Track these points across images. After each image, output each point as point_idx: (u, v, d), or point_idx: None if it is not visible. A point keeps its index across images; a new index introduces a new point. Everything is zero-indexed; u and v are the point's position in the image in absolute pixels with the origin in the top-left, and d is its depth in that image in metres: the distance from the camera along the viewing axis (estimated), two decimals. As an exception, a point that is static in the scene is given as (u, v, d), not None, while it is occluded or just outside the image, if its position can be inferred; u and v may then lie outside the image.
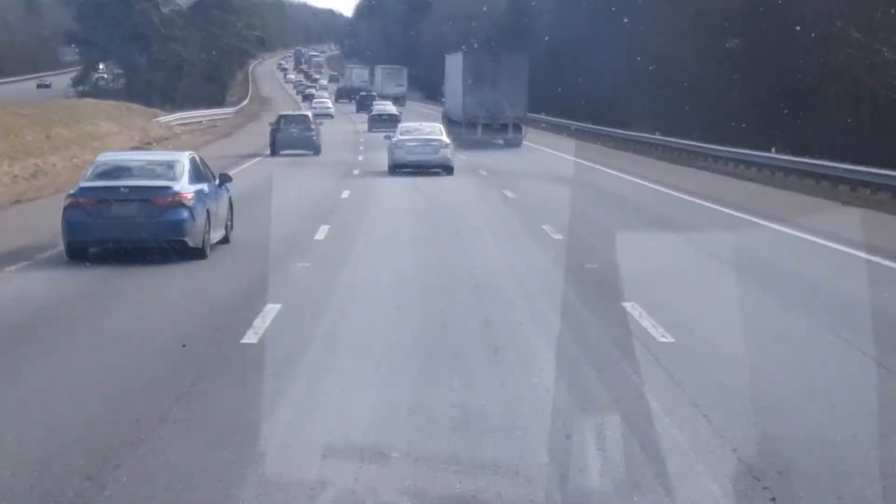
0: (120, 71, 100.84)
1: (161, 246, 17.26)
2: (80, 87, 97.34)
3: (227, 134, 65.05)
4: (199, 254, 17.51)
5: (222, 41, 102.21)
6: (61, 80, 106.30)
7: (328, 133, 63.99)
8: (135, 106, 72.35)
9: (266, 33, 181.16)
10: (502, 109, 56.77)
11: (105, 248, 17.46)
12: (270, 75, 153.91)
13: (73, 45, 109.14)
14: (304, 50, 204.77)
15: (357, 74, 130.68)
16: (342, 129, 73.87)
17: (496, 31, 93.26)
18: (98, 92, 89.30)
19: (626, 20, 61.50)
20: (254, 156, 46.50)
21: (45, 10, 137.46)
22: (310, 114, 55.83)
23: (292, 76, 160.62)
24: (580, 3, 74.77)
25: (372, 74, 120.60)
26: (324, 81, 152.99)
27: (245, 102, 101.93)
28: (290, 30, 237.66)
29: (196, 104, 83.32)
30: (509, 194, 30.17)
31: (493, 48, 67.73)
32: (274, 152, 47.82)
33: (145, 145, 49.34)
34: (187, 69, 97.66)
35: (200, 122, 73.27)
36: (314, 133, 49.30)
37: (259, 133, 57.60)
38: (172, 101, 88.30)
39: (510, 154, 51.27)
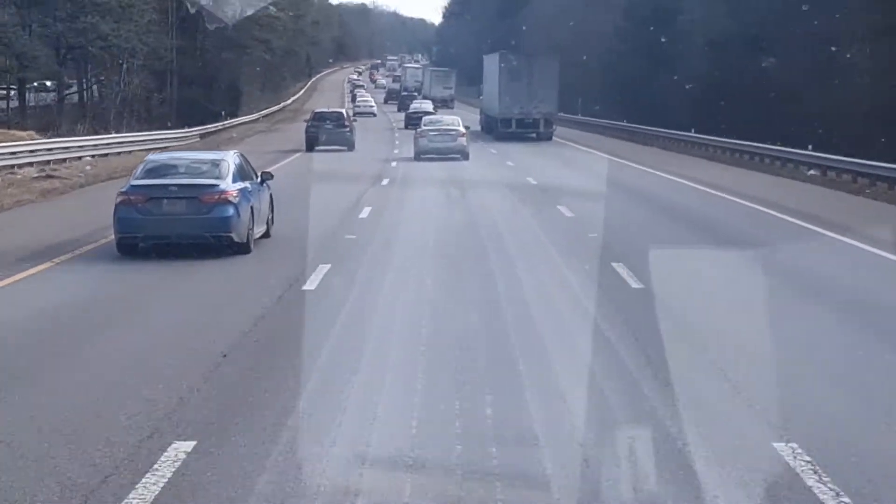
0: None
1: (207, 241, 17.69)
2: None
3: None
4: (243, 248, 17.91)
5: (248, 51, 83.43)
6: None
7: (367, 129, 64.78)
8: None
9: (347, 41, 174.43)
10: (535, 106, 59.28)
11: (154, 243, 17.92)
12: (339, 84, 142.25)
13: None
14: (391, 58, 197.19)
15: (411, 75, 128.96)
16: (382, 126, 74.61)
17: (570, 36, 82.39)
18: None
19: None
20: (293, 152, 47.26)
21: None
22: (344, 111, 56.31)
23: (354, 76, 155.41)
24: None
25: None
26: (383, 81, 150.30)
27: (253, 117, 78.44)
28: (377, 39, 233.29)
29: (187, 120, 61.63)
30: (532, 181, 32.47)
31: (527, 51, 68.78)
32: (309, 148, 48.46)
33: None
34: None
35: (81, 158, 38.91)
36: (348, 129, 49.99)
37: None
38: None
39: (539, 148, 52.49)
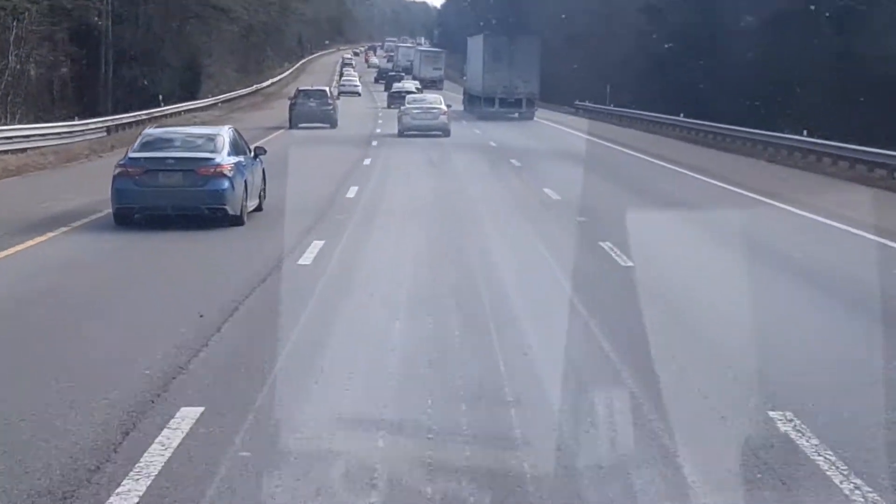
0: None
1: (202, 213, 18.00)
2: None
3: None
4: (237, 220, 18.24)
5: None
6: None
7: (352, 108, 65.09)
8: None
9: (345, 22, 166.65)
10: (517, 86, 60.41)
11: (149, 214, 18.24)
12: (332, 66, 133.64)
13: None
14: (390, 40, 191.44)
15: (403, 54, 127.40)
16: (366, 105, 74.86)
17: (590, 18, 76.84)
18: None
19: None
20: (276, 129, 47.46)
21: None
22: (328, 89, 56.72)
23: (348, 56, 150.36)
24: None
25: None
26: (375, 61, 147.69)
27: (205, 102, 63.65)
28: (377, 21, 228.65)
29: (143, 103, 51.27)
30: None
31: (510, 31, 69.49)
32: (292, 125, 48.99)
33: None
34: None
35: None
36: (331, 107, 50.79)
37: None
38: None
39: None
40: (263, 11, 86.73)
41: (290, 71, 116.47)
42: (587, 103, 67.88)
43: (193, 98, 62.54)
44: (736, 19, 49.04)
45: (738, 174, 29.44)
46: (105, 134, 40.69)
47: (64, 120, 40.88)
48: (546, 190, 24.59)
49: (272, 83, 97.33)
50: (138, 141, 19.23)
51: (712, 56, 51.11)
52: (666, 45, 56.96)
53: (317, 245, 16.15)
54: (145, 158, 18.28)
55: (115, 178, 18.18)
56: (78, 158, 33.52)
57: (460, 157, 34.89)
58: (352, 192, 24.14)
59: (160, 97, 54.16)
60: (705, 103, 48.18)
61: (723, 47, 49.05)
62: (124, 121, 44.22)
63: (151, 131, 20.24)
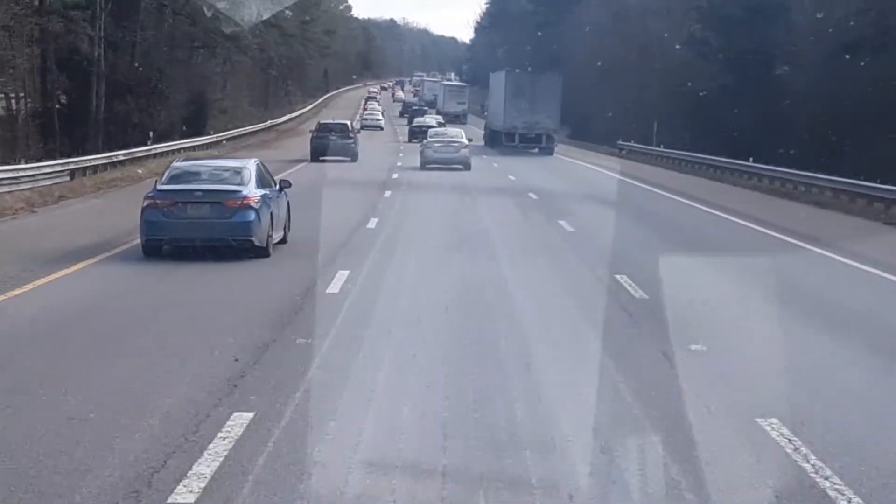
0: None
1: (230, 245, 18.25)
2: None
3: None
4: (263, 252, 18.49)
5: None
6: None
7: (374, 142, 65.58)
8: None
9: (373, 57, 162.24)
10: (538, 122, 61.12)
11: (178, 245, 18.47)
12: (357, 102, 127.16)
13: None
14: (418, 75, 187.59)
15: (429, 88, 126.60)
16: (388, 139, 75.30)
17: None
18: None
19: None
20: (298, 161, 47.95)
21: None
22: (349, 123, 57.15)
23: (375, 90, 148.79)
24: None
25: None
26: (401, 95, 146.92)
27: (204, 140, 56.24)
28: (406, 56, 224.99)
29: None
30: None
31: (532, 69, 70.13)
32: (314, 159, 49.47)
33: None
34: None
35: None
36: (352, 141, 51.47)
37: None
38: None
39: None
40: (283, 43, 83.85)
41: (311, 106, 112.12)
42: (632, 143, 62.08)
43: (200, 134, 57.14)
44: (798, 49, 44.91)
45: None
46: (69, 178, 33.48)
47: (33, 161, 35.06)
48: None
49: (290, 118, 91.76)
50: (167, 174, 19.52)
51: (768, 91, 47.12)
52: (714, 82, 52.62)
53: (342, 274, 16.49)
54: (174, 191, 18.58)
55: (143, 209, 18.47)
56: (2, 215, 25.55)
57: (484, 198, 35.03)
58: (372, 224, 24.49)
59: (150, 134, 49.71)
60: (760, 145, 43.38)
61: (782, 81, 45.73)
62: (91, 163, 37.23)
63: (179, 164, 20.54)
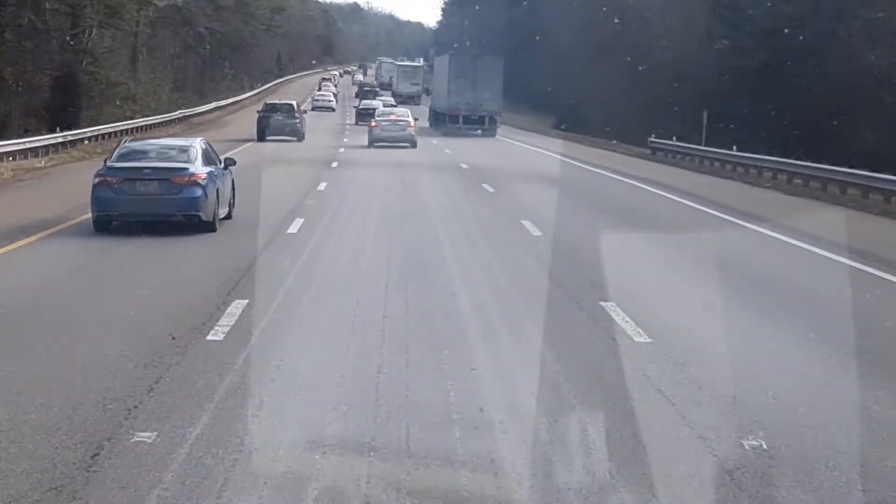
0: None
1: (177, 219, 18.97)
2: None
3: None
4: (210, 227, 19.22)
5: None
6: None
7: (321, 122, 66.20)
8: None
9: (335, 41, 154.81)
10: (480, 104, 62.01)
11: (127, 220, 19.16)
12: (312, 88, 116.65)
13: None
14: (385, 60, 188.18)
15: (386, 70, 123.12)
16: (337, 120, 75.66)
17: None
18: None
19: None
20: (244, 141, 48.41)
21: None
22: (295, 103, 57.52)
23: (335, 72, 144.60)
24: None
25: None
26: (359, 77, 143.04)
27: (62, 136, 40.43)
28: (370, 41, 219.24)
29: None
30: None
31: (474, 51, 71.11)
32: (260, 138, 50.13)
33: None
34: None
35: None
36: (298, 121, 52.30)
37: None
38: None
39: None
40: (215, 17, 74.20)
41: (254, 92, 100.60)
42: (674, 141, 46.76)
43: (71, 128, 42.25)
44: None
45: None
46: None
47: None
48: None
49: (217, 107, 77.84)
50: (116, 152, 20.18)
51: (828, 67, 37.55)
52: (752, 58, 43.52)
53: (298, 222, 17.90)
54: (123, 168, 19.26)
55: (94, 186, 19.15)
56: None
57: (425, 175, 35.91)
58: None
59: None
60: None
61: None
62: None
63: (129, 143, 21.20)
